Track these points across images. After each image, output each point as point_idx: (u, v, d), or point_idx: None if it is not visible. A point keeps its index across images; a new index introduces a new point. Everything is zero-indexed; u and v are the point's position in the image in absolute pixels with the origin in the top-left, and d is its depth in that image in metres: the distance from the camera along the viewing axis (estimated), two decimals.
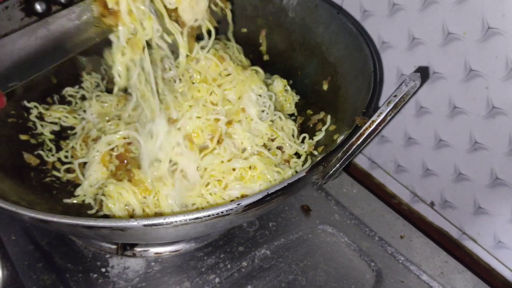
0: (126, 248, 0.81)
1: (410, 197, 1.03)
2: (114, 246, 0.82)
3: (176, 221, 0.56)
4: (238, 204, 0.59)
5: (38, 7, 0.91)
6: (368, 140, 0.63)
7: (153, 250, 0.84)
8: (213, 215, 0.57)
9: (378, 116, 0.62)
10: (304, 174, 0.64)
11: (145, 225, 0.56)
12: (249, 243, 0.89)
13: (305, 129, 0.95)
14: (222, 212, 0.58)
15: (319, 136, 0.89)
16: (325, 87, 0.96)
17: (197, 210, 0.58)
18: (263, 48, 1.08)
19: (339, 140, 0.73)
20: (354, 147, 0.64)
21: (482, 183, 0.86)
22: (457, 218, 0.94)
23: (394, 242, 0.91)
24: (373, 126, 0.62)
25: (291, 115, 0.99)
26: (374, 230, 0.92)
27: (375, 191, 1.04)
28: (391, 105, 0.61)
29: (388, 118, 0.62)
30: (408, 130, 0.97)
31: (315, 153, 0.86)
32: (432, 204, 0.98)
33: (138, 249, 0.84)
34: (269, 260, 0.87)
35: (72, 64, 1.03)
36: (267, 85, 0.95)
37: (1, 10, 0.88)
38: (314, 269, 0.86)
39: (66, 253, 0.85)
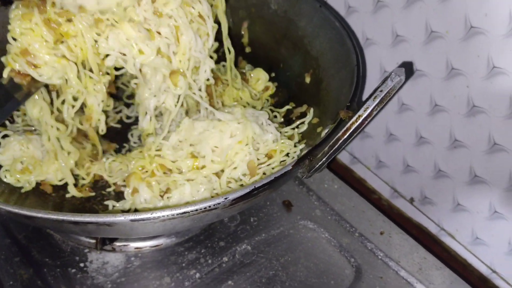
0: (105, 242, 0.80)
1: (390, 193, 1.04)
2: (93, 241, 0.80)
3: (164, 216, 0.55)
4: (226, 198, 0.58)
5: None
6: (355, 135, 0.63)
7: (133, 244, 0.83)
8: (201, 209, 0.56)
9: (364, 110, 0.62)
10: (291, 167, 0.63)
11: (132, 220, 0.55)
12: (230, 238, 0.89)
13: (288, 122, 0.95)
14: (210, 206, 0.57)
15: (302, 128, 0.89)
16: (307, 80, 0.96)
17: (185, 204, 0.57)
18: (245, 40, 1.08)
19: (323, 134, 0.73)
20: (341, 141, 0.64)
21: (461, 180, 0.88)
22: (436, 214, 0.96)
23: (374, 238, 0.92)
24: (359, 121, 0.62)
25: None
26: (354, 226, 0.93)
27: (355, 186, 1.05)
28: (377, 100, 0.61)
29: (374, 113, 0.62)
30: (389, 126, 0.97)
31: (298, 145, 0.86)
32: (411, 200, 1.00)
33: (117, 243, 0.82)
34: (250, 255, 0.87)
35: None
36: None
37: None
38: (295, 265, 0.86)
39: (44, 247, 0.83)
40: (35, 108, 0.80)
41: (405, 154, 0.97)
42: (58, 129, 0.80)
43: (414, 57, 0.87)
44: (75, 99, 0.80)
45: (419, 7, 0.82)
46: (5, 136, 0.86)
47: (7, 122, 0.91)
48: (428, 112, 0.88)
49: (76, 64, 0.77)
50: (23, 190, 0.80)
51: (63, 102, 0.81)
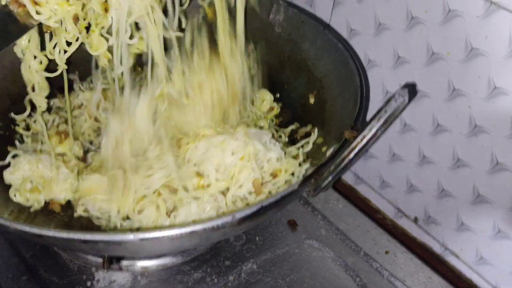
0: (112, 261, 0.80)
1: (394, 212, 1.04)
2: (100, 260, 0.81)
3: (172, 234, 0.56)
4: (233, 217, 0.59)
5: None
6: (360, 155, 0.65)
7: (140, 264, 0.83)
8: (209, 228, 0.57)
9: (369, 131, 0.63)
10: (297, 187, 0.64)
11: (141, 239, 0.56)
12: (236, 257, 0.89)
13: (293, 141, 0.96)
14: (217, 225, 0.58)
15: (307, 148, 0.91)
16: (311, 100, 0.98)
17: (193, 223, 0.58)
18: (249, 62, 1.09)
19: (328, 153, 0.74)
20: (346, 161, 0.65)
21: (465, 199, 0.88)
22: (440, 233, 0.96)
23: (379, 257, 0.92)
24: (364, 141, 0.63)
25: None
26: (359, 246, 0.93)
27: (359, 206, 1.05)
28: (382, 120, 0.63)
29: (379, 133, 0.63)
30: (392, 146, 0.99)
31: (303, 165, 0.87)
32: (415, 220, 1.00)
33: (124, 262, 0.82)
34: (256, 274, 0.87)
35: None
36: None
37: None
38: (300, 284, 0.86)
39: (51, 266, 0.83)
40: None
41: (409, 174, 0.98)
42: (40, 63, 0.80)
43: (416, 78, 0.88)
44: (68, 44, 0.79)
45: (420, 30, 0.84)
46: (15, 155, 0.88)
47: (16, 142, 0.93)
48: (430, 132, 0.90)
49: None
50: (32, 209, 0.81)
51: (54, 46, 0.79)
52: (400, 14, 0.86)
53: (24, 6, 0.71)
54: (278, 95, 1.05)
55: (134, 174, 0.83)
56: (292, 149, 0.91)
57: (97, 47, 0.81)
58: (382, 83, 0.96)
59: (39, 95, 0.85)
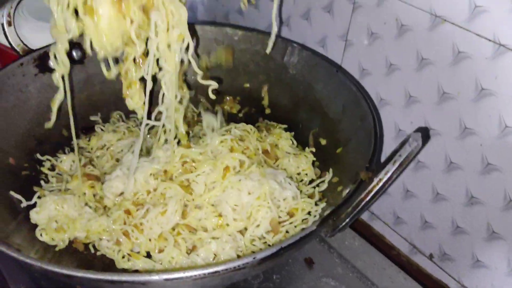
0: None
1: (409, 249, 1.05)
2: None
3: (196, 275, 0.58)
4: (254, 258, 0.61)
5: (51, 63, 0.96)
6: (376, 197, 0.67)
7: None
8: (231, 268, 0.59)
9: (385, 174, 0.65)
10: (315, 227, 0.66)
11: (166, 279, 0.58)
12: None
13: (309, 180, 0.98)
14: (239, 266, 0.60)
15: (322, 187, 0.93)
16: (326, 140, 1.00)
17: (216, 264, 0.60)
18: (265, 102, 1.13)
19: (344, 193, 0.76)
20: (363, 203, 0.67)
21: (479, 236, 0.89)
22: (455, 270, 0.96)
23: None
24: (380, 184, 0.66)
25: None
26: (376, 283, 0.94)
27: (374, 242, 1.06)
28: (397, 164, 0.65)
29: (394, 176, 0.66)
30: (406, 183, 1.00)
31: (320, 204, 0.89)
32: (431, 256, 1.01)
33: None
34: None
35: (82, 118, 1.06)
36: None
37: (15, 67, 0.92)
38: None
39: None
40: None
41: (423, 211, 0.98)
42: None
43: (428, 117, 0.90)
44: None
45: (430, 70, 0.87)
46: (40, 196, 0.90)
47: (42, 182, 0.96)
48: (443, 169, 0.91)
49: None
50: (57, 248, 0.83)
51: None
52: (411, 55, 0.89)
53: None
54: (292, 134, 1.07)
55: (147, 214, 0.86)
56: (308, 188, 0.93)
57: (137, 102, 0.85)
58: (394, 121, 0.98)
59: None
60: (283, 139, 1.04)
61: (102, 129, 1.06)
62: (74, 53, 0.99)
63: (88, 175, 0.93)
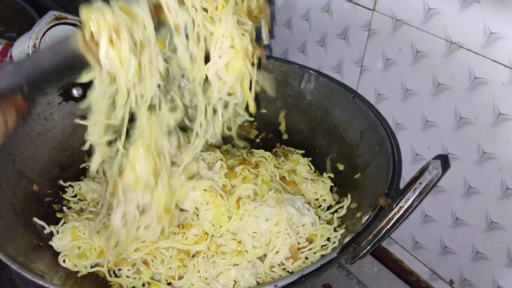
0: None
1: (428, 275, 1.04)
2: None
3: None
4: (276, 286, 0.61)
5: (75, 92, 0.99)
6: (397, 225, 0.67)
7: None
8: None
9: (405, 202, 0.66)
10: (336, 255, 0.67)
11: None
12: None
13: (327, 207, 0.99)
14: None
15: (341, 213, 0.93)
16: (344, 166, 1.01)
17: None
18: (282, 127, 1.14)
19: (363, 220, 0.77)
20: (384, 231, 0.67)
21: (499, 262, 0.88)
22: None
23: None
24: (401, 212, 0.66)
25: None
26: None
27: (392, 267, 1.05)
28: (417, 192, 0.66)
29: (415, 204, 0.66)
30: (424, 208, 1.00)
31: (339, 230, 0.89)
32: (451, 283, 1.00)
33: None
34: None
35: None
36: None
37: (41, 96, 0.95)
38: None
39: None
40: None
41: (442, 236, 0.98)
42: None
43: (445, 141, 0.91)
44: None
45: (447, 95, 0.87)
46: (63, 222, 0.92)
47: (64, 208, 0.98)
48: (462, 194, 0.91)
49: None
50: (79, 274, 0.84)
51: None
52: (427, 81, 0.90)
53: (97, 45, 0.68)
54: (310, 159, 1.08)
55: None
56: (326, 214, 0.93)
57: None
58: (411, 146, 0.98)
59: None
60: (301, 165, 1.05)
61: None
62: (74, 91, 1.01)
63: None
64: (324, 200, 1.00)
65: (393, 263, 1.10)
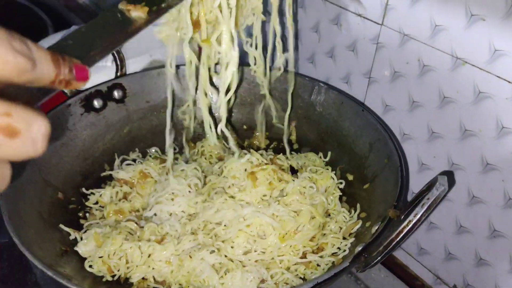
0: None
1: (433, 280, 1.08)
2: None
3: None
4: None
5: (96, 103, 1.03)
6: (406, 237, 0.71)
7: None
8: None
9: (414, 216, 0.70)
10: (348, 264, 0.71)
11: None
12: None
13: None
14: None
15: (350, 221, 0.97)
16: (352, 177, 1.05)
17: None
18: (293, 137, 1.18)
19: (373, 230, 0.81)
20: (394, 243, 0.72)
21: (502, 268, 0.92)
22: None
23: None
24: (410, 225, 0.70)
25: None
26: None
27: (398, 272, 1.09)
28: (425, 207, 0.70)
29: (423, 218, 0.70)
30: (430, 216, 1.02)
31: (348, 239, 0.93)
32: (454, 287, 1.04)
33: None
34: None
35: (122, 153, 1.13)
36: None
37: (64, 107, 0.99)
38: None
39: None
40: None
41: (446, 242, 1.01)
42: None
43: (450, 152, 0.93)
44: None
45: (452, 108, 0.90)
46: (87, 229, 0.96)
47: (87, 215, 1.02)
48: (466, 203, 0.94)
49: None
50: (104, 279, 0.88)
51: None
52: (433, 93, 0.92)
53: None
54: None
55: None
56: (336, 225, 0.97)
57: None
58: (417, 155, 1.01)
59: None
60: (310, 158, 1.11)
61: (141, 163, 1.11)
62: (116, 93, 1.06)
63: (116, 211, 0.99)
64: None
65: (399, 268, 1.13)
